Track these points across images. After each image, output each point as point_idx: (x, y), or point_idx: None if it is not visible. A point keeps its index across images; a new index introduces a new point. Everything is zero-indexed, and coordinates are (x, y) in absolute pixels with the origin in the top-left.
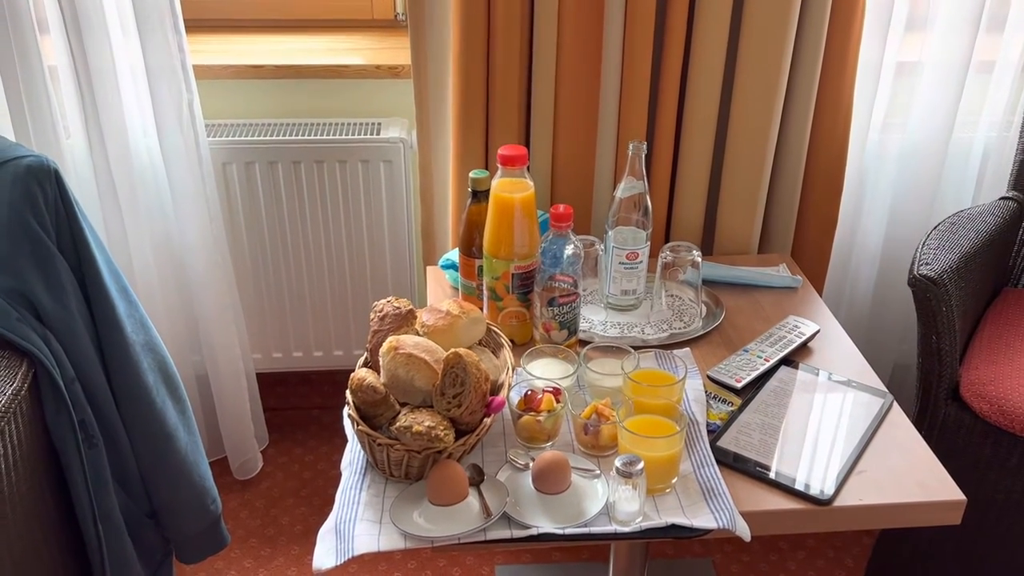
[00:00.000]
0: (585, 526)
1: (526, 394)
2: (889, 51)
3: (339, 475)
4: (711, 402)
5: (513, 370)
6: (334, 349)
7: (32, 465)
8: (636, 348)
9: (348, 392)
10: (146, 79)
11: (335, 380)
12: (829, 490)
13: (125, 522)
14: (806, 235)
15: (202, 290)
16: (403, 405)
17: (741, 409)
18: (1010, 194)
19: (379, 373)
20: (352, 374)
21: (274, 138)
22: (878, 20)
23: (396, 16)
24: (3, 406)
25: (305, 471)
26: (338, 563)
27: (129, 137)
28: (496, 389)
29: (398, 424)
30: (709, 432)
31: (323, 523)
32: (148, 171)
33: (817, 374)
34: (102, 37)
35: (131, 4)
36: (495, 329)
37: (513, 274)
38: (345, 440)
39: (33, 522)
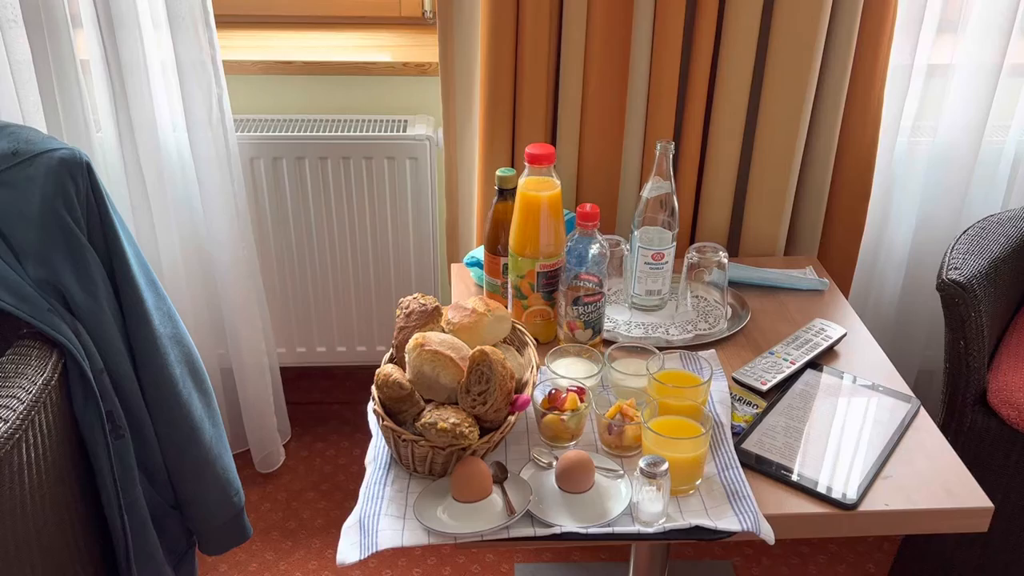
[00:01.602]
0: (608, 526)
1: (550, 393)
2: (920, 53)
3: (360, 470)
4: (736, 404)
5: (537, 369)
6: (357, 345)
7: (60, 455)
8: (661, 349)
9: (374, 387)
10: (176, 74)
11: (358, 376)
12: (853, 494)
13: (150, 513)
14: (833, 238)
15: (228, 284)
16: (428, 401)
17: (766, 412)
18: None
19: (405, 369)
20: (378, 370)
21: (301, 134)
22: (909, 22)
23: (424, 14)
24: (33, 396)
25: (326, 465)
26: (362, 557)
27: (159, 131)
28: (520, 387)
29: (423, 420)
30: (734, 434)
31: (344, 517)
32: (177, 165)
33: (843, 378)
34: (134, 32)
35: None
36: (520, 327)
37: (538, 273)
38: (367, 435)
39: (60, 511)
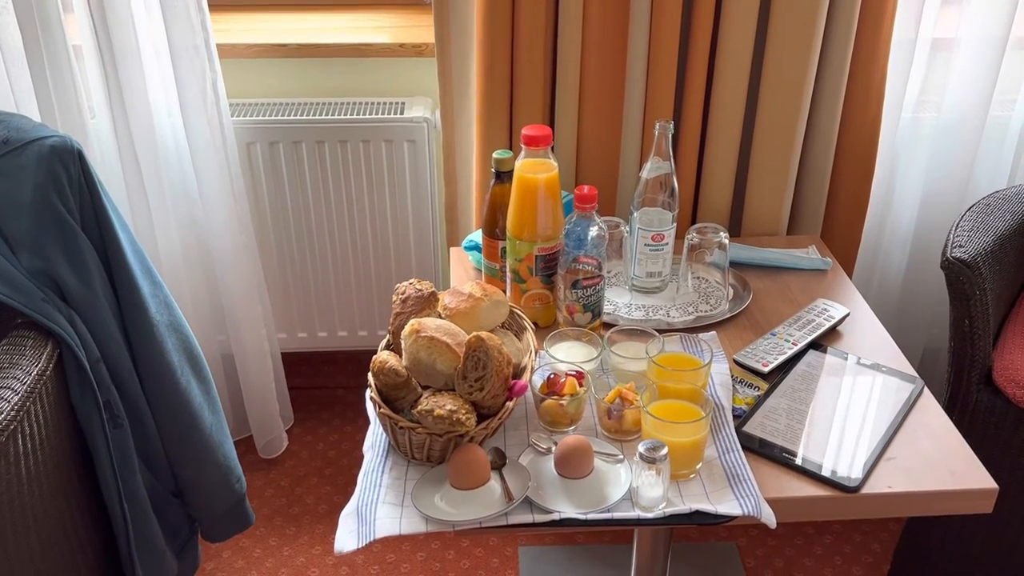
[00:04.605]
0: (608, 511)
1: (549, 377)
2: (924, 27)
3: (363, 455)
4: (737, 387)
5: (536, 353)
6: (358, 329)
7: (58, 445)
8: (661, 331)
9: (370, 375)
10: (170, 58)
11: (359, 360)
12: (857, 477)
13: (151, 501)
14: (836, 216)
15: (227, 270)
16: (425, 388)
17: (768, 394)
18: None
19: (401, 356)
20: (374, 357)
21: (298, 117)
22: None
23: None
24: (28, 386)
25: (330, 450)
26: (359, 546)
27: (153, 117)
28: (519, 372)
29: (420, 407)
30: (735, 417)
31: (347, 502)
32: (172, 151)
33: (846, 358)
34: (125, 16)
35: None
36: (518, 312)
37: (536, 256)
38: (369, 420)
39: (59, 501)
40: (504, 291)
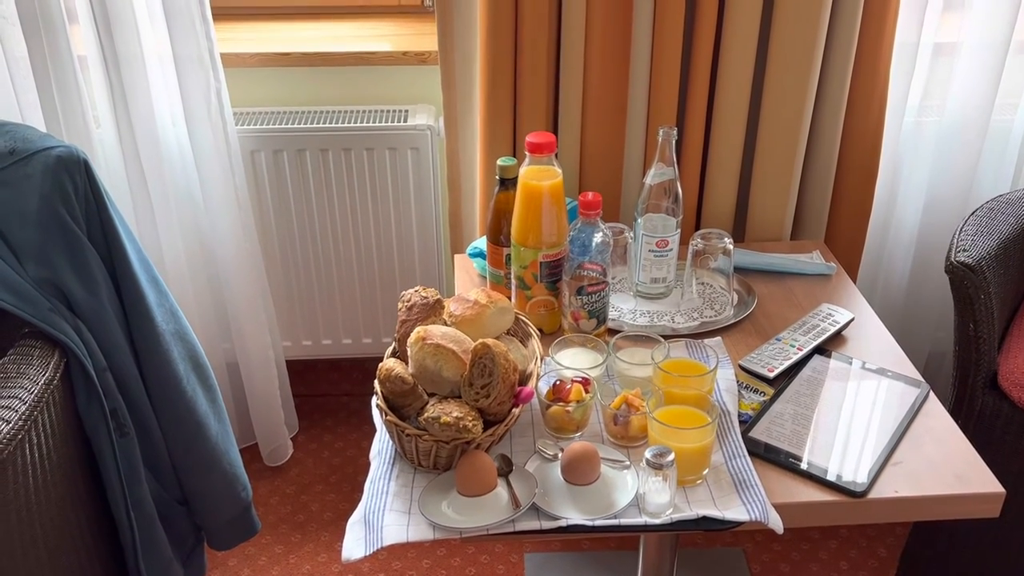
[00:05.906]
0: (615, 518)
1: (555, 384)
2: (926, 31)
3: (369, 462)
4: (743, 392)
5: (542, 360)
6: (363, 336)
7: (65, 454)
8: (666, 337)
9: (376, 382)
10: (174, 68)
11: (364, 367)
12: (863, 482)
13: (157, 509)
14: (840, 221)
15: (232, 278)
16: (431, 395)
17: (773, 399)
18: None
19: (407, 363)
20: (380, 364)
21: (302, 126)
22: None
23: (423, 2)
24: (36, 396)
25: (335, 458)
26: (367, 554)
27: (158, 126)
28: (524, 379)
29: (426, 415)
30: (741, 423)
31: (353, 510)
32: (177, 160)
33: (851, 363)
34: (130, 26)
35: None
36: (523, 318)
37: (541, 263)
38: (375, 427)
39: (66, 509)
40: (509, 298)
